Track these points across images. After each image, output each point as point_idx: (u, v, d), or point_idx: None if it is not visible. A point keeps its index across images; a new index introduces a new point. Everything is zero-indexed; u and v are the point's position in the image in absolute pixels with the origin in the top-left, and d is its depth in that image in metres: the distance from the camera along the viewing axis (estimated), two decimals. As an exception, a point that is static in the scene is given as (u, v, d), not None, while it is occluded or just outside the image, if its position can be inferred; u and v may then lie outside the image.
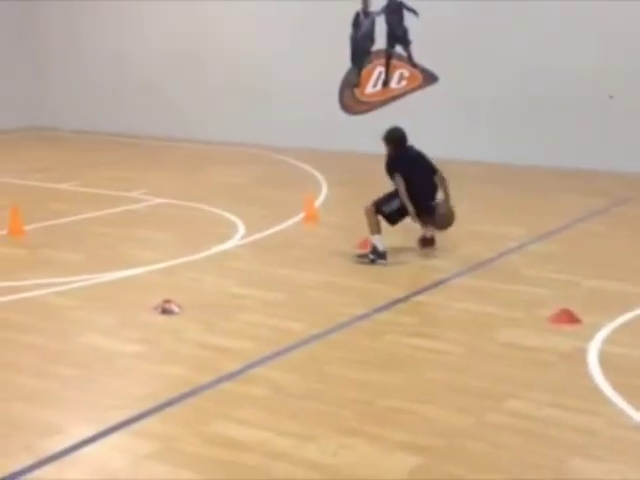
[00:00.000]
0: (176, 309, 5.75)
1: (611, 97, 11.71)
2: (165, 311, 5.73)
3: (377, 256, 6.89)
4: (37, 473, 3.64)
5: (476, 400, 4.38)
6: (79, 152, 13.86)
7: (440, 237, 7.46)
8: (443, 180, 7.39)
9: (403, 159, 7.25)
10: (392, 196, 7.20)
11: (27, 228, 8.07)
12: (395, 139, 7.35)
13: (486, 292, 6.28)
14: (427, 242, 7.30)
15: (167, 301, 5.80)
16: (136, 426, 4.09)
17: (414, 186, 7.15)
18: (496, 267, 7.03)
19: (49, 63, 16.50)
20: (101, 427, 4.05)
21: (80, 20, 15.97)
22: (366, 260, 6.88)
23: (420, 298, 6.16)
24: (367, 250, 7.00)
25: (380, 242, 6.93)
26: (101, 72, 15.86)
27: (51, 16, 16.28)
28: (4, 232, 7.95)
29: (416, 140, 13.67)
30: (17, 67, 16.41)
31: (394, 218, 7.26)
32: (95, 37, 15.84)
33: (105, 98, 15.89)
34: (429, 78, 13.09)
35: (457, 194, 10.20)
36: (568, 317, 5.56)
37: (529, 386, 4.55)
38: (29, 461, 3.71)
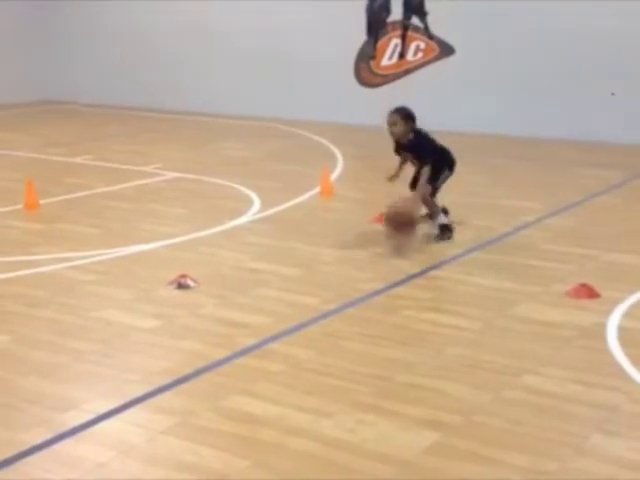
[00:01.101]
0: (192, 284, 5.74)
1: (613, 94, 11.64)
2: (181, 286, 5.72)
3: (448, 230, 6.88)
4: (55, 447, 3.65)
5: (493, 376, 4.35)
6: (94, 126, 13.84)
7: (456, 211, 7.40)
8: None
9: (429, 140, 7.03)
10: (435, 171, 6.89)
11: (42, 202, 8.07)
12: (413, 117, 6.99)
13: (503, 267, 6.23)
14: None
15: (183, 276, 5.79)
16: (153, 401, 4.09)
17: (447, 155, 7.12)
18: (513, 242, 6.97)
19: (65, 36, 16.45)
20: (118, 402, 4.05)
21: (93, -7, 15.90)
22: (446, 238, 6.82)
23: (436, 273, 6.12)
24: (437, 232, 6.87)
25: (446, 218, 6.96)
26: (117, 45, 15.82)
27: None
28: (19, 206, 7.96)
29: (432, 113, 13.63)
30: (33, 40, 16.40)
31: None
32: (113, 10, 15.76)
33: (121, 71, 15.85)
34: (446, 50, 12.96)
35: (473, 168, 10.20)
36: (587, 291, 5.52)
37: (547, 362, 4.52)
38: (47, 435, 3.72)
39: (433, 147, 7.01)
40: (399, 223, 6.48)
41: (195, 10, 14.79)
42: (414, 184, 7.03)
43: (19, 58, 16.26)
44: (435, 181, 6.91)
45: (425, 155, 6.92)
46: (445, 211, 7.09)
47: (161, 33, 15.26)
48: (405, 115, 6.89)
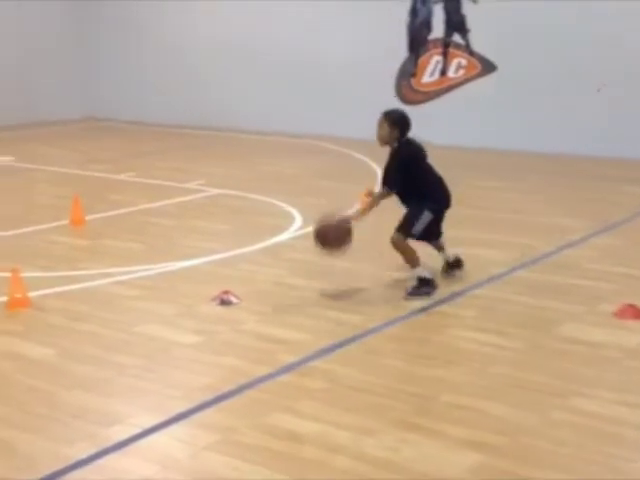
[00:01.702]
0: (234, 300, 5.77)
1: (599, 90, 11.56)
2: (223, 302, 5.75)
3: (430, 286, 5.77)
4: (99, 461, 3.68)
5: (539, 397, 4.30)
6: (137, 143, 14.02)
7: (499, 229, 7.34)
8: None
9: (416, 156, 5.92)
10: (415, 211, 5.79)
11: (88, 218, 8.18)
12: (403, 123, 5.85)
13: (546, 286, 6.16)
14: (456, 264, 6.21)
15: (225, 292, 5.82)
16: (195, 417, 4.11)
17: (439, 184, 5.96)
18: (556, 260, 6.89)
19: (107, 55, 16.72)
20: (161, 417, 4.08)
21: (136, 14, 16.13)
22: (418, 297, 5.69)
23: (478, 292, 6.07)
24: (414, 284, 5.78)
25: (426, 272, 5.74)
26: (157, 63, 16.02)
27: (108, 10, 16.47)
28: (66, 222, 8.07)
29: (474, 130, 13.60)
30: (76, 60, 16.71)
31: (428, 233, 5.91)
32: (151, 30, 15.99)
33: (161, 89, 16.04)
34: (487, 67, 12.91)
35: (516, 185, 10.13)
36: (633, 312, 5.43)
37: (593, 383, 4.45)
38: (92, 450, 3.76)
39: (405, 175, 5.76)
40: (329, 239, 5.76)
41: (235, 28, 14.92)
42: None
43: (62, 76, 16.56)
44: (410, 226, 5.75)
45: (388, 179, 5.82)
46: (452, 264, 6.15)
47: (201, 51, 15.42)
48: (393, 119, 5.87)
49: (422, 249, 6.11)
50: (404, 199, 5.86)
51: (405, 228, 5.72)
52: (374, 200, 5.90)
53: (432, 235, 6.05)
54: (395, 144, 5.86)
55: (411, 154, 5.83)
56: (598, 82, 11.79)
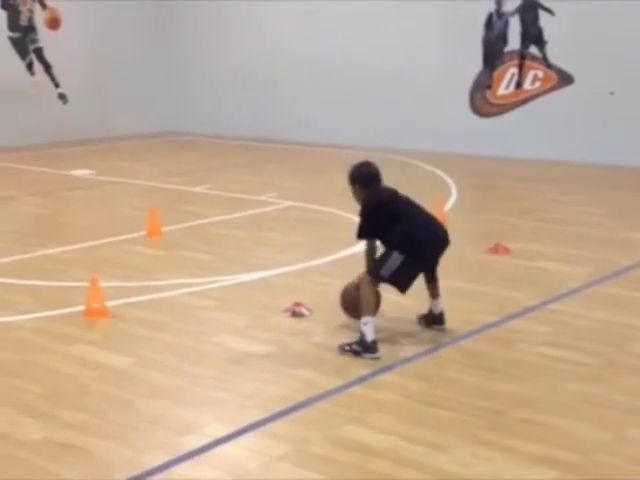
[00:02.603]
0: (306, 312, 5.81)
1: (611, 93, 11.24)
2: (295, 314, 5.80)
3: (364, 348, 5.03)
4: (173, 470, 3.75)
5: (615, 414, 4.21)
6: (212, 156, 14.25)
7: (576, 243, 7.21)
8: None
9: (386, 202, 5.42)
10: (384, 253, 5.29)
11: (164, 229, 8.36)
12: (364, 175, 5.46)
13: (624, 301, 6.03)
14: (435, 319, 5.56)
15: (298, 304, 5.87)
16: (267, 427, 4.15)
17: (417, 232, 5.33)
18: (635, 276, 6.74)
19: (185, 71, 17.04)
20: (234, 427, 4.14)
21: (213, 27, 16.42)
22: (349, 353, 5.06)
23: (554, 306, 5.97)
24: (357, 339, 5.12)
25: (371, 328, 5.05)
26: (234, 79, 16.25)
27: (186, 24, 16.81)
28: (143, 233, 8.26)
29: (550, 144, 13.41)
30: (156, 75, 17.10)
31: (402, 281, 5.29)
32: (229, 45, 16.24)
33: (237, 103, 16.26)
34: (565, 79, 12.73)
35: (593, 199, 9.95)
36: None
37: (672, 402, 4.34)
38: (166, 458, 3.83)
39: (376, 223, 5.35)
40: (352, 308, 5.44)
41: (308, 42, 15.06)
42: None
43: (142, 91, 16.96)
44: (377, 268, 5.23)
45: (358, 229, 5.39)
46: (433, 317, 5.54)
47: (275, 67, 15.59)
48: (352, 178, 5.52)
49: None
50: (384, 245, 5.39)
51: (373, 269, 5.27)
52: (367, 254, 5.45)
53: (426, 277, 5.55)
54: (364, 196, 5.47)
55: (378, 202, 5.42)
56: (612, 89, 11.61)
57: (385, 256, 5.25)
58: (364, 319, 5.08)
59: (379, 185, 5.51)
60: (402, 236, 5.23)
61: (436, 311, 5.55)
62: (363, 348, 5.03)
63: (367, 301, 5.12)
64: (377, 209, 5.38)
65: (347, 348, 5.10)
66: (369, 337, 5.03)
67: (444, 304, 5.55)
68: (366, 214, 5.37)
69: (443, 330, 5.51)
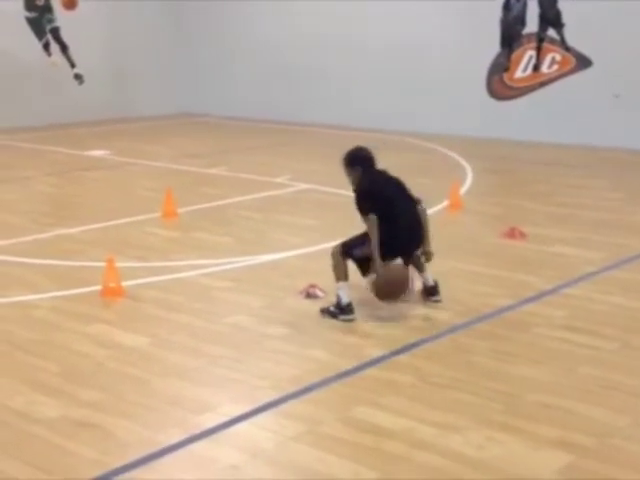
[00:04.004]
0: (320, 294, 5.81)
1: (617, 96, 11.15)
2: (310, 295, 5.81)
3: (340, 311, 5.35)
4: (189, 448, 3.78)
5: (631, 398, 4.20)
6: (228, 138, 14.25)
7: (594, 228, 7.17)
8: (425, 215, 5.64)
9: (377, 188, 5.55)
10: (364, 236, 5.46)
11: (180, 211, 8.38)
12: (360, 159, 5.62)
13: (639, 287, 6.01)
14: (428, 291, 5.70)
15: (312, 286, 5.87)
16: (283, 407, 4.17)
17: (394, 228, 5.39)
18: (652, 260, 6.71)
19: (202, 53, 17.01)
20: (250, 406, 4.16)
21: (231, 9, 16.37)
22: (327, 316, 5.37)
23: (570, 291, 5.95)
24: (335, 302, 5.41)
25: (345, 292, 5.35)
26: (250, 61, 16.21)
27: (206, 8, 16.75)
28: (159, 214, 8.28)
29: (567, 128, 13.28)
30: (174, 56, 17.08)
31: (367, 266, 5.47)
32: (247, 28, 16.19)
33: (253, 86, 16.24)
34: (583, 62, 12.61)
35: (609, 183, 9.88)
36: None
37: (688, 387, 4.32)
38: (182, 436, 3.86)
39: (373, 201, 5.46)
40: (389, 292, 5.47)
41: (324, 24, 14.98)
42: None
43: (159, 73, 16.97)
44: (351, 247, 5.47)
45: (360, 210, 5.52)
46: (430, 289, 5.66)
47: (292, 48, 15.53)
48: (348, 160, 5.65)
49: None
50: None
51: (347, 245, 5.49)
52: (370, 230, 5.43)
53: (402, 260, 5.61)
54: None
55: (368, 190, 5.54)
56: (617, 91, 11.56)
57: (362, 240, 5.46)
58: (339, 284, 5.39)
59: (371, 169, 5.66)
60: (380, 232, 5.34)
61: (428, 284, 5.71)
62: (340, 310, 5.36)
63: (339, 269, 5.43)
64: (367, 194, 5.53)
65: (325, 312, 5.42)
66: (344, 300, 5.36)
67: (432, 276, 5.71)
68: (358, 200, 5.55)
69: (438, 301, 5.64)
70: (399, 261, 5.56)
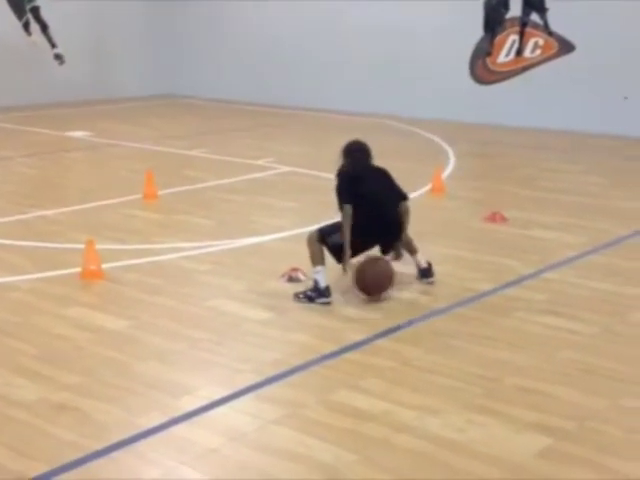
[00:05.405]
0: (302, 277, 5.80)
1: (626, 98, 11.24)
2: (291, 279, 5.79)
3: (317, 294, 5.37)
4: (169, 431, 3.76)
5: (610, 382, 4.23)
6: (210, 120, 14.16)
7: (574, 213, 7.20)
8: (407, 213, 5.69)
9: (359, 176, 5.62)
10: (339, 224, 5.52)
11: (161, 193, 8.32)
12: (353, 151, 5.71)
13: (621, 271, 6.03)
14: (421, 273, 5.76)
15: (294, 269, 5.86)
16: (263, 391, 4.16)
17: (370, 219, 5.45)
18: (632, 245, 6.74)
19: (186, 34, 16.87)
20: (230, 390, 4.15)
21: (213, -11, 16.24)
22: (304, 300, 5.39)
23: (550, 275, 5.98)
24: (311, 287, 5.45)
25: (322, 276, 5.38)
26: (235, 42, 16.09)
27: (185, -14, 16.61)
28: (139, 196, 8.23)
29: (550, 112, 13.30)
30: (154, 36, 16.92)
31: (340, 254, 5.49)
32: (230, 7, 16.06)
33: (238, 67, 16.14)
34: (565, 47, 12.62)
35: (591, 168, 9.92)
36: None
37: (667, 371, 4.36)
38: (162, 419, 3.85)
39: (346, 187, 5.57)
40: (373, 287, 5.48)
41: (308, 8, 14.90)
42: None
43: (141, 54, 16.82)
44: (327, 233, 5.53)
45: (338, 199, 5.60)
46: (420, 272, 5.74)
47: (277, 30, 15.44)
48: (341, 152, 5.80)
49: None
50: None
51: (323, 231, 5.55)
52: (344, 221, 5.47)
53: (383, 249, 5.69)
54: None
55: (345, 173, 5.67)
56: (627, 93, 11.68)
57: (339, 227, 5.49)
58: (316, 268, 5.41)
59: (360, 161, 5.72)
60: (357, 221, 5.40)
61: (421, 266, 5.77)
62: (317, 294, 5.38)
63: (315, 254, 5.47)
64: (347, 179, 5.60)
65: (301, 296, 5.42)
66: (322, 284, 5.38)
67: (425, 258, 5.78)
68: (338, 184, 5.62)
69: (431, 283, 5.70)
70: (376, 250, 5.61)
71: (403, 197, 5.71)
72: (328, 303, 5.35)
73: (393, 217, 5.64)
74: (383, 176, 5.74)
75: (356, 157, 5.71)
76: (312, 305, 5.34)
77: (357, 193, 5.49)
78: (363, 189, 5.52)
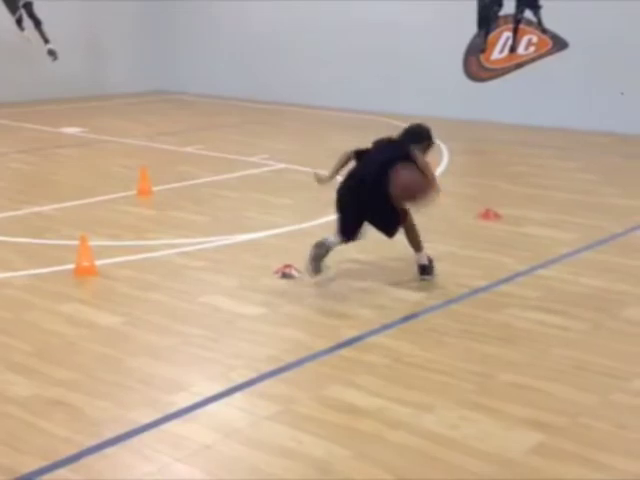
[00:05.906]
0: (296, 274, 5.81)
1: (622, 94, 11.29)
2: (285, 275, 5.80)
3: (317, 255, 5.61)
4: (163, 427, 3.77)
5: (601, 378, 4.25)
6: (204, 116, 14.15)
7: (568, 210, 7.21)
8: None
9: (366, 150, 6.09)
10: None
11: (155, 189, 8.32)
12: (429, 135, 6.11)
13: (614, 268, 6.05)
14: (420, 270, 5.82)
15: (287, 266, 5.87)
16: (257, 387, 4.17)
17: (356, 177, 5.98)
18: (625, 242, 6.76)
19: (177, 29, 16.85)
20: (224, 386, 4.16)
21: (207, -15, 16.22)
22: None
23: (543, 272, 6.00)
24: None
25: (333, 241, 5.69)
26: (227, 37, 16.08)
27: (179, -18, 16.58)
28: (133, 192, 8.22)
29: (544, 109, 13.35)
30: (146, 32, 16.88)
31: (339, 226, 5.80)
32: (222, 3, 16.04)
33: (230, 63, 16.12)
34: (559, 44, 12.64)
35: (585, 165, 9.94)
36: (702, 297, 5.31)
37: (658, 367, 4.38)
38: (155, 415, 3.85)
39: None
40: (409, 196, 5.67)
41: (300, 4, 14.89)
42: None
43: (135, 50, 16.78)
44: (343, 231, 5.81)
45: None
46: (419, 269, 5.81)
47: (269, 26, 15.42)
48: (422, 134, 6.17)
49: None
50: None
51: (341, 232, 5.81)
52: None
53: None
54: None
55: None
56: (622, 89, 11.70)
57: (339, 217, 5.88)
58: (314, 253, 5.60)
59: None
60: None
61: (419, 262, 5.81)
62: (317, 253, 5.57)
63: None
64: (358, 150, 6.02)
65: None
66: (330, 240, 5.65)
67: (429, 256, 5.84)
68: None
69: (427, 280, 5.74)
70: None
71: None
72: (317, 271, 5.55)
73: (361, 182, 5.81)
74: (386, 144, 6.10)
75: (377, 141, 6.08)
76: (308, 301, 5.34)
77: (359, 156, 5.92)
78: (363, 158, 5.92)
